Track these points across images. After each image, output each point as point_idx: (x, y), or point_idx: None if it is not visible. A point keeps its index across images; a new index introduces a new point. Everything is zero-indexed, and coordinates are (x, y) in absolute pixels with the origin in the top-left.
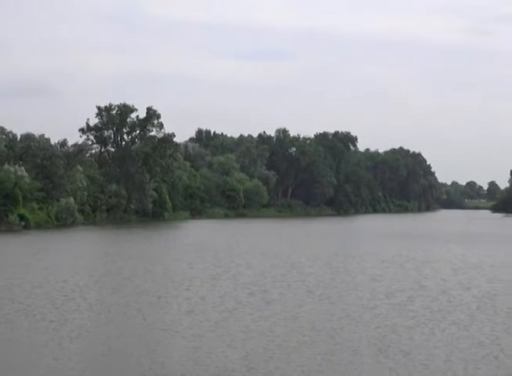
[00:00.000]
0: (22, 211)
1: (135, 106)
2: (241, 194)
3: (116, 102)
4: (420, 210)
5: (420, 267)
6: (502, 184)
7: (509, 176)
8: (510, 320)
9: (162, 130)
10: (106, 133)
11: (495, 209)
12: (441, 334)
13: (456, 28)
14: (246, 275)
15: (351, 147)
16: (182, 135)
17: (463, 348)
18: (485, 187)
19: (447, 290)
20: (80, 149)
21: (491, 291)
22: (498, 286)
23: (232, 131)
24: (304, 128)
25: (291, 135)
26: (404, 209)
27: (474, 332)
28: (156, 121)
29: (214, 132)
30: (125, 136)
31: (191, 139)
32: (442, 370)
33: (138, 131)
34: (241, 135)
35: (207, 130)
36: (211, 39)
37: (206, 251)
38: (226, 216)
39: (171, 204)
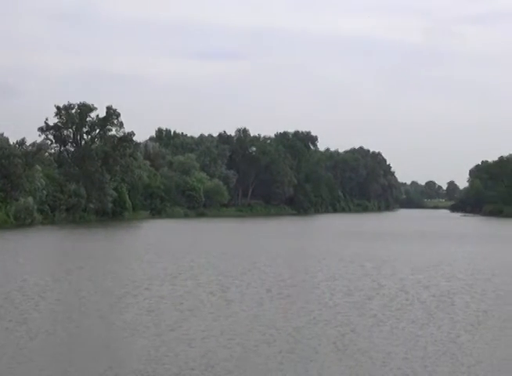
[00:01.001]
0: None
1: (95, 106)
2: (201, 194)
3: (75, 101)
4: (379, 209)
5: (380, 266)
6: (461, 184)
7: (467, 176)
8: (469, 318)
9: (122, 129)
10: (65, 132)
11: (453, 209)
12: (401, 332)
13: (414, 28)
14: (207, 274)
15: (311, 147)
16: (142, 134)
17: (421, 346)
18: (444, 187)
19: (406, 289)
20: (39, 148)
21: (450, 289)
22: (456, 284)
23: (193, 131)
24: (265, 127)
25: (251, 134)
26: (364, 208)
27: (432, 330)
28: (115, 120)
29: (174, 132)
30: (85, 135)
31: (151, 139)
32: (401, 368)
33: (97, 131)
34: (201, 135)
35: (167, 129)
36: (172, 38)
37: (166, 250)
38: (186, 216)
39: (130, 204)
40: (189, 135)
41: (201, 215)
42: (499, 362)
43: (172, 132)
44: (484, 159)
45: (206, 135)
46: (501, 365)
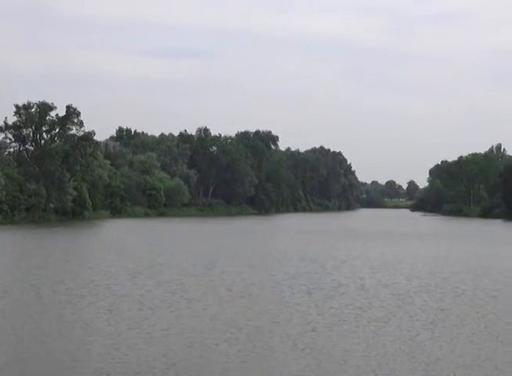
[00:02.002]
0: None
1: (55, 105)
2: (162, 193)
3: (34, 100)
4: (340, 209)
5: (340, 265)
6: (421, 183)
7: (427, 176)
8: (427, 317)
9: (82, 128)
10: (24, 131)
11: (414, 208)
12: (360, 331)
13: (377, 29)
14: (167, 273)
15: (272, 146)
16: (103, 133)
17: (381, 344)
18: (405, 186)
19: (366, 287)
20: None
21: (409, 288)
22: (416, 283)
23: (153, 130)
24: (226, 127)
25: (212, 134)
26: (324, 208)
27: (392, 329)
28: (75, 120)
29: (134, 131)
30: (44, 135)
31: (111, 138)
32: (361, 366)
33: (57, 130)
34: (162, 134)
35: (127, 128)
36: (131, 37)
37: (126, 249)
38: (147, 215)
39: (91, 203)
40: (149, 134)
41: (162, 214)
42: (458, 359)
43: (133, 131)
44: (444, 159)
45: (166, 134)
46: (459, 362)
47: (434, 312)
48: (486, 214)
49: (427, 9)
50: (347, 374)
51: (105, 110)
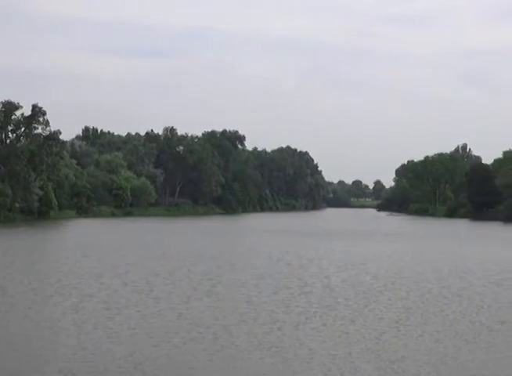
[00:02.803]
0: None
1: (20, 104)
2: (128, 193)
3: None
4: (307, 208)
5: (306, 264)
6: (388, 183)
7: (394, 176)
8: (393, 315)
9: (48, 128)
10: None
11: (380, 208)
12: (327, 329)
13: (343, 29)
14: (134, 273)
15: (239, 146)
16: (69, 133)
17: (347, 343)
18: (371, 186)
19: (332, 287)
20: None
21: (375, 287)
22: (382, 282)
23: (120, 130)
24: (192, 126)
25: (179, 133)
26: (291, 207)
27: (358, 327)
28: (41, 119)
29: (101, 130)
30: (10, 134)
31: (77, 137)
32: (326, 364)
33: (23, 129)
34: (128, 134)
35: (93, 128)
36: (97, 36)
37: (93, 249)
38: (113, 215)
39: (56, 203)
40: (116, 133)
41: (128, 214)
42: (423, 357)
43: (99, 131)
44: (410, 159)
45: (133, 133)
46: (424, 360)
47: (400, 310)
48: (452, 213)
49: (390, 10)
50: (313, 372)
51: (71, 109)
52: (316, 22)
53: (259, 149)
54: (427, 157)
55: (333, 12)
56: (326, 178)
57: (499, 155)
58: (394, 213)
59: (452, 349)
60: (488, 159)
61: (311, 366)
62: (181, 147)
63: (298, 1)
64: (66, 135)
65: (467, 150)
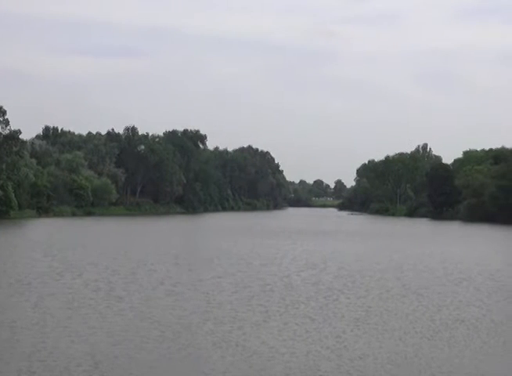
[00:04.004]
0: None
1: None
2: (89, 192)
3: None
4: (268, 208)
5: (268, 264)
6: (349, 183)
7: (355, 175)
8: (353, 314)
9: (8, 127)
10: None
11: (341, 207)
12: (288, 328)
13: (301, 29)
14: (95, 272)
15: (201, 146)
16: (29, 132)
17: (308, 341)
18: (332, 186)
19: (293, 286)
20: None
21: (335, 286)
22: (342, 281)
23: (81, 129)
24: (154, 126)
25: (140, 133)
26: (253, 207)
27: (318, 326)
28: (1, 118)
29: (61, 129)
30: None
31: (38, 137)
32: (287, 363)
33: None
34: (89, 133)
35: (54, 127)
36: (59, 35)
37: (53, 249)
38: (74, 214)
39: (16, 202)
40: (76, 133)
41: (89, 213)
42: (384, 356)
43: (59, 130)
44: (371, 158)
45: (94, 133)
46: (385, 359)
47: (360, 309)
48: (412, 213)
49: (350, 11)
50: (274, 370)
51: (31, 108)
52: (279, 22)
53: (220, 148)
54: (387, 157)
55: (295, 12)
56: (288, 178)
57: (459, 155)
58: (355, 212)
59: (413, 347)
60: (448, 159)
61: (272, 365)
62: (142, 147)
63: (260, 2)
64: (27, 135)
65: (428, 149)
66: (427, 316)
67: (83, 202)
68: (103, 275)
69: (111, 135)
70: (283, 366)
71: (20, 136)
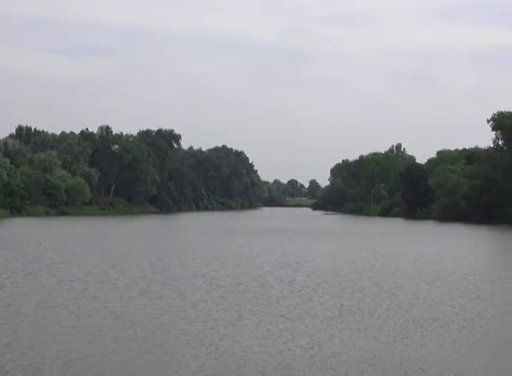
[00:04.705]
0: None
1: None
2: (63, 192)
3: None
4: (242, 207)
5: (241, 263)
6: (323, 182)
7: (329, 175)
8: (326, 313)
9: None
10: None
11: (315, 207)
12: (261, 327)
13: (278, 28)
14: (68, 272)
15: (175, 145)
16: (2, 131)
17: (281, 340)
18: (307, 185)
19: (267, 285)
20: None
21: (309, 285)
22: (316, 280)
23: (54, 128)
24: (128, 125)
25: (114, 132)
26: (227, 207)
27: (292, 325)
28: None
29: (34, 129)
30: None
31: (11, 136)
32: (261, 362)
33: None
34: (63, 132)
35: (27, 126)
36: (32, 33)
37: (26, 249)
38: (47, 214)
39: None
40: (50, 132)
41: (63, 213)
42: (357, 355)
43: (33, 129)
44: (345, 158)
45: (67, 132)
46: (358, 357)
47: (334, 308)
48: (386, 213)
49: (325, 10)
50: (247, 369)
51: (4, 107)
52: (253, 22)
53: (195, 148)
54: (361, 157)
55: (269, 11)
56: (262, 178)
57: (433, 155)
58: (329, 212)
59: (386, 346)
60: (422, 159)
61: (245, 364)
62: (116, 146)
63: (238, 1)
64: None
65: (402, 149)
66: (399, 314)
67: (56, 202)
68: (77, 275)
69: (85, 135)
70: (256, 365)
71: None
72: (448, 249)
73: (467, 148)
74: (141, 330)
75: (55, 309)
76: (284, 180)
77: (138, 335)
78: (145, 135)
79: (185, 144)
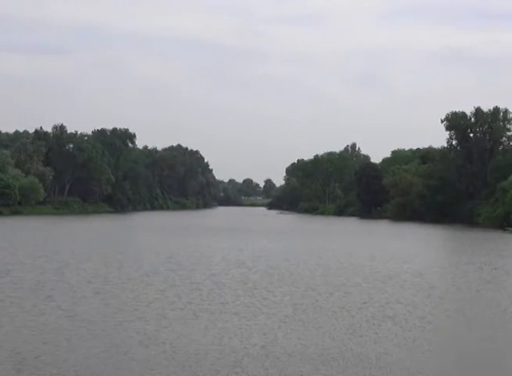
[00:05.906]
0: None
1: None
2: (16, 191)
3: None
4: (197, 207)
5: (196, 262)
6: (278, 182)
7: (284, 174)
8: (281, 312)
9: None
10: None
11: (270, 206)
12: (216, 326)
13: (232, 29)
14: (22, 271)
15: (130, 144)
16: None
17: (236, 339)
18: (262, 185)
19: (221, 284)
20: None
21: (265, 284)
22: (270, 279)
23: (7, 127)
24: (83, 124)
25: (69, 131)
26: (182, 206)
27: (247, 324)
28: None
29: None
30: None
31: None
32: (214, 360)
33: None
34: (17, 131)
35: None
36: None
37: None
38: (0, 213)
39: None
40: (3, 131)
41: (16, 212)
42: (310, 352)
43: None
44: (300, 158)
45: (21, 131)
46: (311, 355)
47: (288, 306)
48: (341, 212)
49: (281, 10)
50: (201, 368)
51: None
52: (207, 21)
53: (150, 147)
54: (316, 156)
55: (224, 11)
56: (217, 177)
57: (388, 154)
58: (284, 211)
59: (340, 344)
60: (376, 158)
61: (199, 362)
62: (70, 145)
63: (189, 1)
64: None
65: (356, 149)
66: (353, 312)
67: (10, 201)
68: (31, 274)
69: (39, 134)
70: (210, 363)
71: None
72: (401, 248)
73: (421, 148)
74: (95, 329)
75: (9, 308)
76: (239, 179)
77: (93, 334)
78: (99, 134)
79: (140, 143)
